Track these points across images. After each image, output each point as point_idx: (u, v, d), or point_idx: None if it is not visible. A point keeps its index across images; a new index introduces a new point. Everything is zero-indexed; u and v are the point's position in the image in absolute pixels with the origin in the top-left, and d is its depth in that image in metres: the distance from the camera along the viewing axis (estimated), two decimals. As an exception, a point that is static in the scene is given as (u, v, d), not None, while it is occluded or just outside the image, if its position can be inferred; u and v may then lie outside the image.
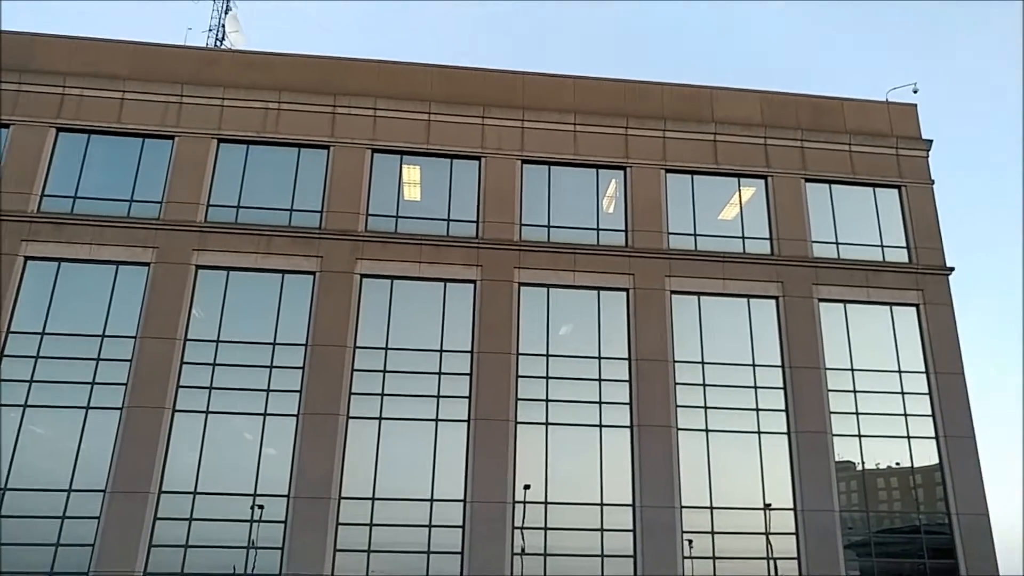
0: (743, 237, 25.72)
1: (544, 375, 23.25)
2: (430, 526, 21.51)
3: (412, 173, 24.96)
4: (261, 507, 21.20)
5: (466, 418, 22.44)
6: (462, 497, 21.73)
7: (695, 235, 25.44)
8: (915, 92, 28.53)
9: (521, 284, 23.94)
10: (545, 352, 23.48)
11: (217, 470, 21.41)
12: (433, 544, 21.39)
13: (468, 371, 22.90)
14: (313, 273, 23.34)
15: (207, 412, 21.84)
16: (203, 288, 22.99)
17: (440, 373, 22.89)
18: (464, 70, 26.30)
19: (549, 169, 25.35)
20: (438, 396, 22.68)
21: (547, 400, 22.98)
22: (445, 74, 26.09)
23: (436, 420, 22.44)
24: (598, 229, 25.08)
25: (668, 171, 25.91)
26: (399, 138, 24.89)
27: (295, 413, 21.96)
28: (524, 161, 25.22)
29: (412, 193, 24.94)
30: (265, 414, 21.99)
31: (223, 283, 23.10)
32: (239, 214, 23.85)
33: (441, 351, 23.10)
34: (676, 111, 26.53)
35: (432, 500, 21.71)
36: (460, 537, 21.40)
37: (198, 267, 23.04)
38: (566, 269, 24.21)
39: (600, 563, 21.68)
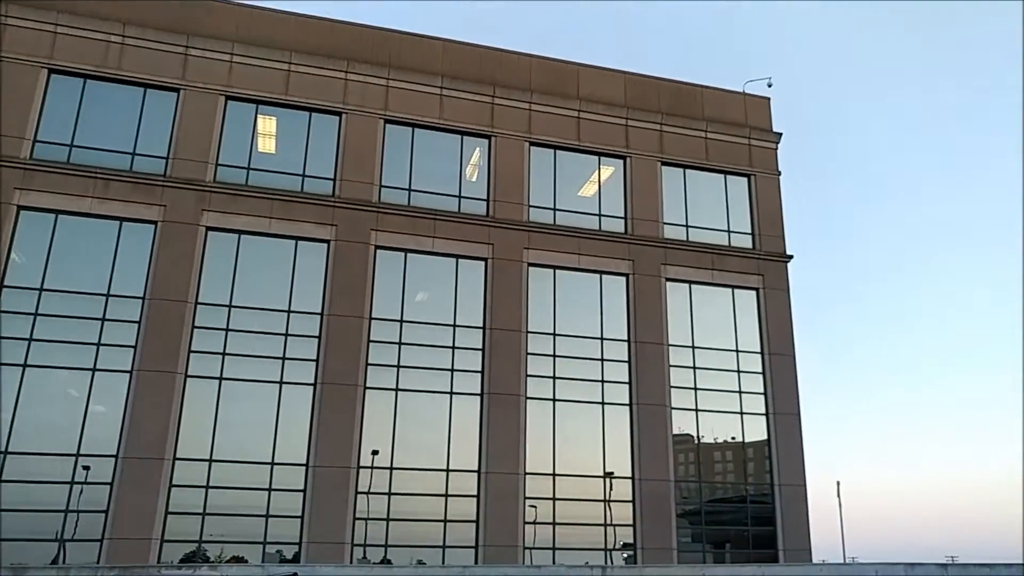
0: (600, 215, 26.23)
1: (397, 341, 22.93)
2: (270, 489, 20.85)
3: (268, 124, 23.83)
4: (87, 468, 19.85)
5: (312, 382, 21.81)
6: (305, 461, 21.16)
7: (554, 209, 25.71)
8: (769, 87, 29.97)
9: (378, 247, 23.44)
10: (399, 318, 23.14)
11: (38, 427, 19.83)
12: (273, 508, 20.76)
13: (317, 333, 22.24)
14: (154, 223, 21.91)
15: (24, 365, 20.13)
16: (25, 232, 21.09)
17: (287, 334, 22.12)
18: (329, 22, 25.30)
19: (413, 131, 24.87)
20: (283, 358, 21.92)
21: (399, 366, 22.70)
22: (309, 24, 25.00)
23: (280, 383, 21.70)
24: (460, 196, 24.89)
25: (532, 144, 26.01)
26: (256, 87, 23.69)
27: (128, 370, 20.63)
28: (387, 121, 24.61)
29: (267, 145, 23.83)
30: (94, 369, 20.52)
31: (50, 228, 21.26)
32: (72, 153, 22.00)
33: (289, 311, 22.32)
34: (543, 84, 26.63)
35: (273, 464, 21.02)
36: (301, 501, 20.86)
37: (20, 207, 21.11)
38: (425, 235, 23.90)
39: (443, 528, 21.73)
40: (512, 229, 24.71)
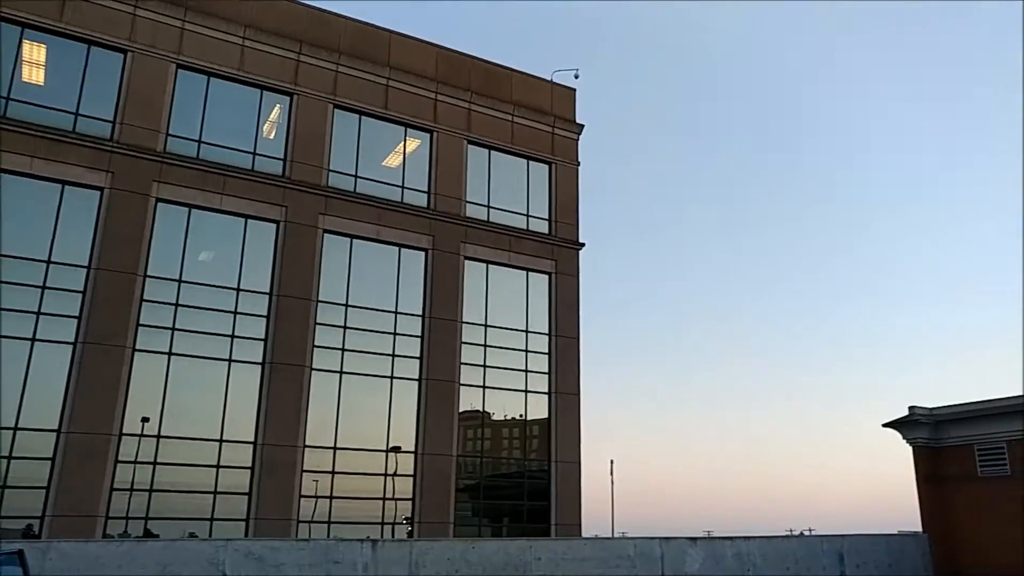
0: (403, 187, 25.93)
1: (173, 302, 21.46)
2: (11, 457, 18.84)
3: (37, 52, 21.38)
4: None
5: (73, 340, 19.95)
6: (57, 427, 19.33)
7: (356, 176, 25.09)
8: (576, 78, 30.87)
9: (159, 200, 21.79)
10: (178, 277, 21.67)
11: None
12: (16, 478, 18.80)
13: (82, 288, 20.34)
14: None
15: None
16: None
17: (44, 287, 20.04)
18: (118, -50, 23.05)
19: (208, 80, 23.28)
20: (38, 312, 19.84)
21: (173, 328, 21.27)
22: (94, -52, 22.63)
23: (33, 339, 19.64)
24: (255, 154, 23.65)
25: (337, 107, 25.19)
26: (25, 8, 21.14)
27: None
28: (180, 66, 22.87)
29: (35, 75, 21.40)
30: None
31: None
32: None
33: (49, 262, 20.21)
34: (353, 47, 25.84)
35: (16, 429, 19.01)
36: (49, 470, 19.04)
37: None
38: (214, 191, 22.51)
39: (212, 500, 20.70)
40: (309, 193, 23.85)
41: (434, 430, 24.08)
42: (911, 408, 24.42)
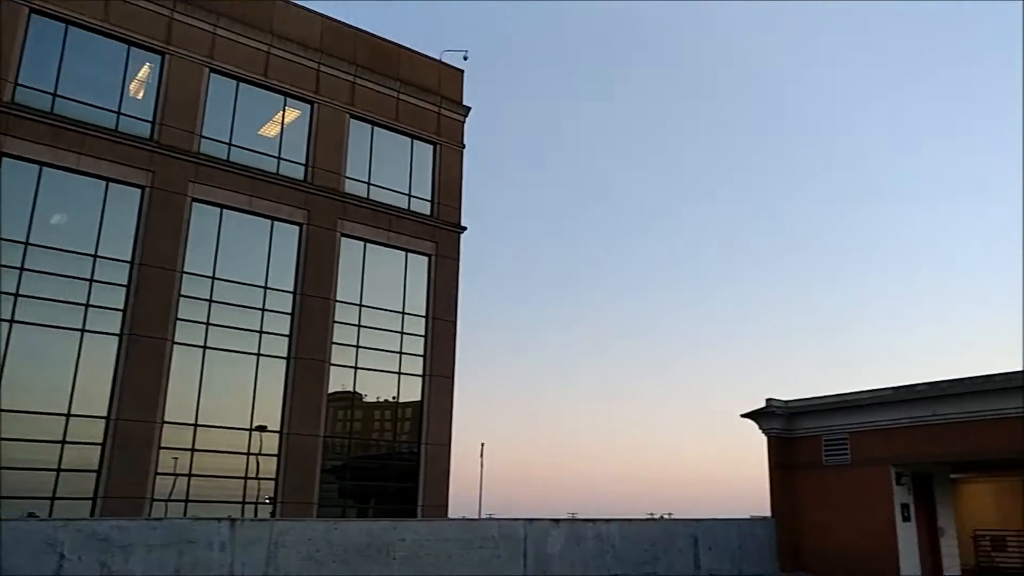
0: (279, 158, 25.10)
1: (19, 266, 19.95)
2: None
3: None
4: None
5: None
6: None
7: (230, 144, 24.08)
8: (465, 59, 30.70)
9: (4, 154, 20.18)
10: (25, 239, 20.17)
11: None
12: None
13: (-86, 246, 18.64)
14: None
15: None
16: None
17: None
18: None
19: (66, 29, 21.69)
20: None
21: (16, 295, 19.77)
22: None
23: None
24: (119, 113, 22.27)
25: (213, 71, 24.06)
26: None
27: None
28: (33, 10, 21.21)
29: None
30: None
31: None
32: None
33: None
34: (232, 10, 24.71)
35: None
36: None
37: None
38: (71, 150, 21.05)
39: (55, 477, 19.46)
40: (178, 158, 22.71)
41: (301, 410, 23.52)
42: (768, 400, 25.72)
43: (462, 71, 30.30)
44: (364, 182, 26.78)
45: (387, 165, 27.56)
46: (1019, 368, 21.31)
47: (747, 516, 25.22)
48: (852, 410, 24.43)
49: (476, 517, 29.89)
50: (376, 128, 27.52)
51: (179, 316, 22.00)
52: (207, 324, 22.54)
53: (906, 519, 23.00)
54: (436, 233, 27.92)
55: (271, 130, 25.35)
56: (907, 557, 22.54)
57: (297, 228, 24.86)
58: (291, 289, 24.32)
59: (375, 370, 25.66)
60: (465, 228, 28.63)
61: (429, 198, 28.27)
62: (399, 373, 26.17)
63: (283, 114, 25.54)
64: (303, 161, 25.51)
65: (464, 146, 29.56)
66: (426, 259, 27.67)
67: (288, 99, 25.62)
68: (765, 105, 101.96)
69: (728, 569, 22.71)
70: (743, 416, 26.31)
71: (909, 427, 23.08)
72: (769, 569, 23.70)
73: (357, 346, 25.31)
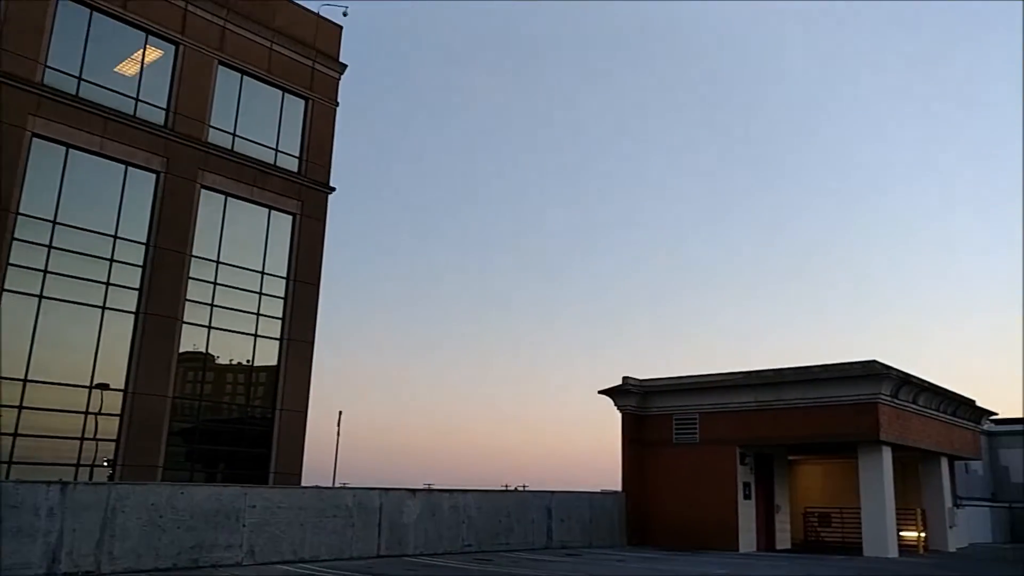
0: (137, 99, 23.34)
1: None
2: None
3: None
4: None
5: None
6: None
7: (80, 79, 22.14)
8: (344, 15, 29.56)
9: None
10: None
11: None
12: None
13: None
14: None
15: None
16: None
17: None
18: None
19: None
20: None
21: None
22: None
23: None
24: (-48, 33, 20.00)
25: (63, -2, 21.99)
26: None
27: None
28: None
29: None
30: None
31: None
32: None
33: None
34: (90, -69, 22.63)
35: None
36: None
37: None
38: None
39: None
40: (17, 88, 20.64)
41: (149, 369, 22.14)
42: (624, 378, 26.49)
43: (340, 27, 29.20)
44: (229, 133, 25.37)
45: (255, 117, 26.22)
46: (856, 359, 22.93)
47: (598, 490, 25.97)
48: (703, 391, 25.55)
49: (330, 486, 29.23)
50: (245, 78, 26.09)
51: (12, 261, 20.11)
52: (45, 272, 20.73)
53: (747, 497, 24.36)
54: (303, 192, 26.88)
55: (129, 68, 23.52)
56: (745, 532, 23.89)
57: (154, 176, 23.26)
58: (143, 240, 22.76)
59: (231, 331, 24.49)
60: (334, 189, 27.73)
61: (297, 155, 27.15)
62: (256, 335, 25.10)
63: (143, 52, 23.74)
64: (164, 105, 23.85)
65: (338, 104, 28.56)
66: (291, 218, 26.60)
67: (150, 37, 23.83)
68: (633, 79, 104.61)
69: (579, 541, 23.31)
70: (600, 393, 26.99)
71: (756, 410, 24.41)
72: (618, 542, 24.51)
73: (212, 305, 24.06)
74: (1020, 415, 38.96)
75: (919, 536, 25.04)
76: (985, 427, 32.86)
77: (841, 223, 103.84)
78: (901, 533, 23.99)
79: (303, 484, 24.82)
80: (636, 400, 26.44)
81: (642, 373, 26.72)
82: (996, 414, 31.69)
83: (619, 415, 26.54)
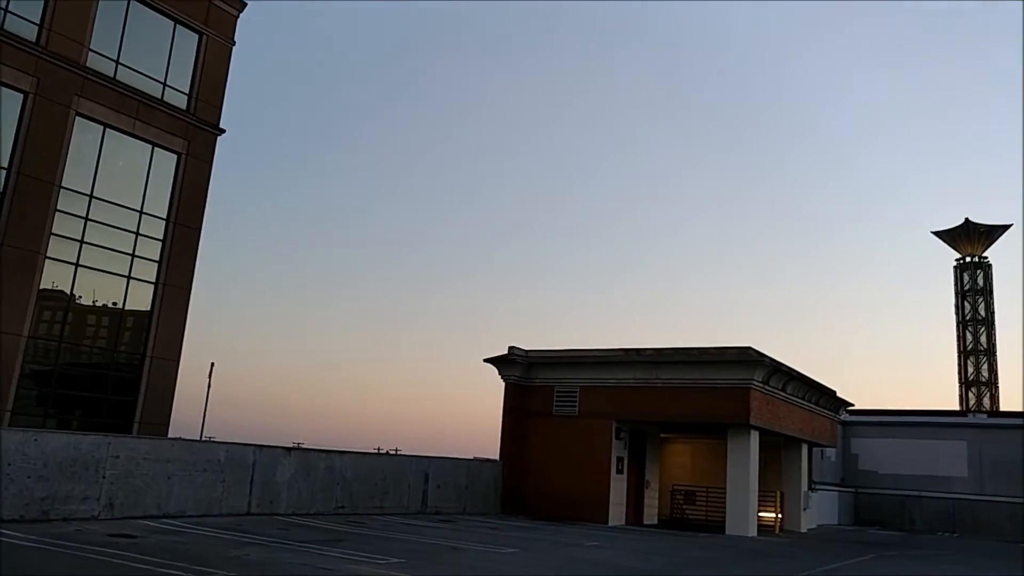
0: (5, 10, 21.27)
1: None
2: None
3: None
4: None
5: None
6: None
7: (-59, -21, 19.98)
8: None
9: None
10: None
11: None
12: None
13: None
14: None
15: None
16: None
17: None
18: None
19: None
20: None
21: None
22: None
23: None
24: None
25: None
26: None
27: None
28: None
29: None
30: None
31: None
32: None
33: None
34: None
35: None
36: None
37: None
38: None
39: None
40: None
41: (6, 306, 20.42)
42: (510, 348, 26.56)
43: (241, -40, 27.54)
44: (112, 60, 23.55)
45: (142, 47, 24.45)
46: (733, 345, 23.78)
47: (472, 457, 26.00)
48: (586, 366, 25.95)
49: (200, 439, 28.02)
50: (133, 2, 24.25)
51: None
52: None
53: (620, 472, 24.97)
54: (190, 131, 25.35)
55: (-1, -25, 21.40)
56: (616, 506, 24.51)
57: (21, 96, 21.33)
58: (4, 165, 20.90)
59: (102, 271, 22.93)
60: (224, 131, 26.30)
61: (187, 91, 25.55)
62: (128, 277, 23.60)
63: (18, -41, 21.64)
64: (37, 20, 21.86)
65: (234, 43, 27.03)
66: (175, 157, 25.06)
67: (27, -57, 21.74)
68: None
69: (453, 507, 23.29)
70: (485, 361, 26.98)
71: (634, 387, 24.99)
72: (492, 509, 24.65)
73: (82, 242, 22.42)
74: (873, 407, 41.84)
75: (776, 517, 26.39)
76: (842, 417, 34.95)
77: (742, 216, 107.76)
78: (760, 513, 25.20)
79: (170, 437, 23.69)
80: (520, 370, 26.55)
81: (529, 345, 26.87)
82: (853, 405, 33.74)
83: (503, 385, 26.61)
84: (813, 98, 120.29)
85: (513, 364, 26.43)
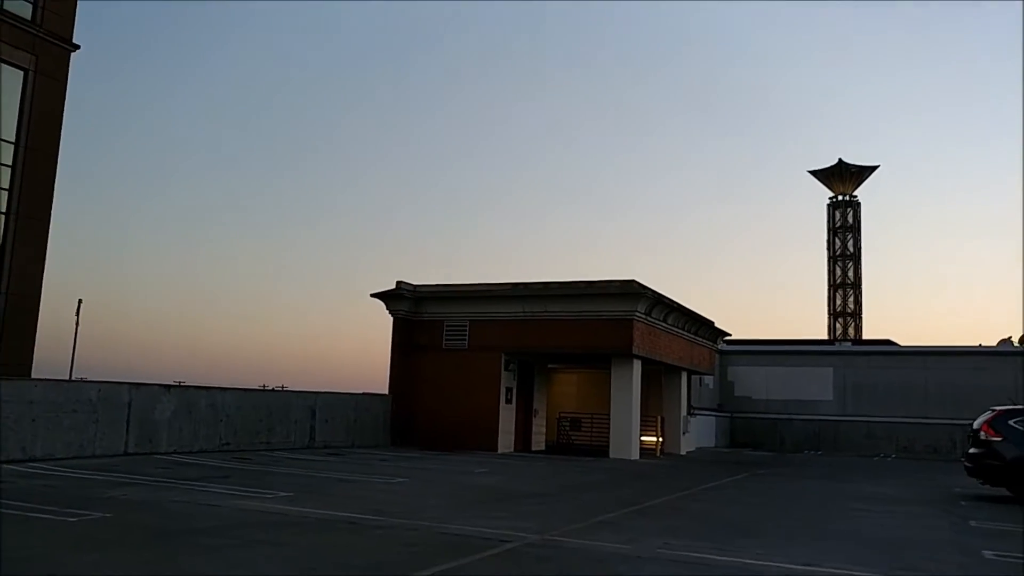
0: None
1: None
2: None
3: None
4: None
5: None
6: None
7: None
8: None
9: None
10: None
11: None
12: None
13: None
14: None
15: None
16: None
17: None
18: None
19: None
20: None
21: None
22: None
23: None
24: None
25: None
26: None
27: None
28: None
29: None
30: None
31: None
32: None
33: None
34: None
35: None
36: None
37: None
38: None
39: None
40: None
41: None
42: (398, 283, 26.08)
43: None
44: (-52, -40, 20.98)
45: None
46: (617, 278, 24.17)
47: (361, 392, 25.62)
48: (475, 300, 25.84)
49: (69, 379, 26.32)
50: None
51: None
52: None
53: (508, 401, 25.21)
54: (38, 45, 23.01)
55: None
56: (505, 434, 24.79)
57: None
58: None
59: (-60, 199, 20.78)
60: (78, 47, 24.06)
61: (32, 0, 23.14)
62: (-25, 208, 21.53)
63: None
64: None
65: (89, -51, 24.60)
66: (22, 74, 22.76)
67: None
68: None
69: (342, 441, 22.94)
70: (373, 296, 26.44)
71: (522, 320, 25.10)
72: (382, 442, 24.45)
73: (-82, 166, 20.19)
74: (749, 338, 43.91)
75: (657, 440, 27.41)
76: (720, 347, 36.49)
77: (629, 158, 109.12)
78: (642, 438, 26.10)
79: (33, 376, 22.09)
80: (409, 305, 26.17)
81: (418, 280, 26.47)
82: (730, 335, 35.24)
83: (391, 320, 26.19)
84: (698, 26, 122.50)
85: (401, 299, 26.00)
